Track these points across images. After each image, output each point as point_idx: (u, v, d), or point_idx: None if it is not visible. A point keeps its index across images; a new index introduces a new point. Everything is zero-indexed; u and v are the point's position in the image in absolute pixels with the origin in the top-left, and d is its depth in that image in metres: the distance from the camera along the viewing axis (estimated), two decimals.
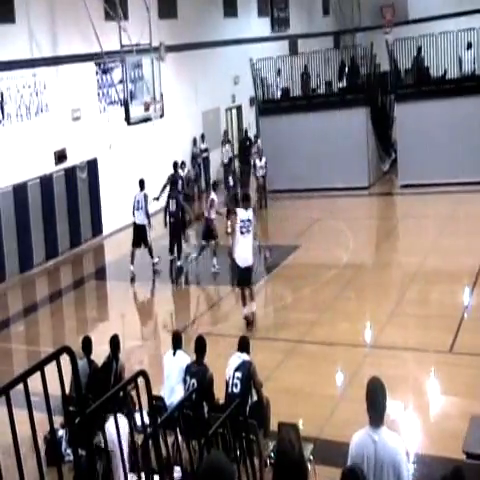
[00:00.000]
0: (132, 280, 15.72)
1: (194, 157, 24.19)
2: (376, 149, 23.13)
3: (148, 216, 15.90)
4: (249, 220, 12.01)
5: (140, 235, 15.87)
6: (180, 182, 18.21)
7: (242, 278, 12.34)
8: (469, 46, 21.67)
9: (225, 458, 3.41)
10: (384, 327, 11.97)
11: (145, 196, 15.87)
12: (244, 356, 7.94)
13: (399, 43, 22.43)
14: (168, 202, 16.16)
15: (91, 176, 19.06)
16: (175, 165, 18.26)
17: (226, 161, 24.51)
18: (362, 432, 5.04)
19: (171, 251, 16.38)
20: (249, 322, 12.12)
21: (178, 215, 16.17)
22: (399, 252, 16.17)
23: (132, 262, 15.79)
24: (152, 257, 16.04)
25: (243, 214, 12.13)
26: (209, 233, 15.85)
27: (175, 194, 16.47)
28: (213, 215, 15.85)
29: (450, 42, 21.37)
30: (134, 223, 16.05)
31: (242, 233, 11.99)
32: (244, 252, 12.06)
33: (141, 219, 15.86)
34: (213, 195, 15.97)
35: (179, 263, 16.21)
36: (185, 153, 23.59)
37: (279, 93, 24.44)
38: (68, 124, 18.27)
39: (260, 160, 21.72)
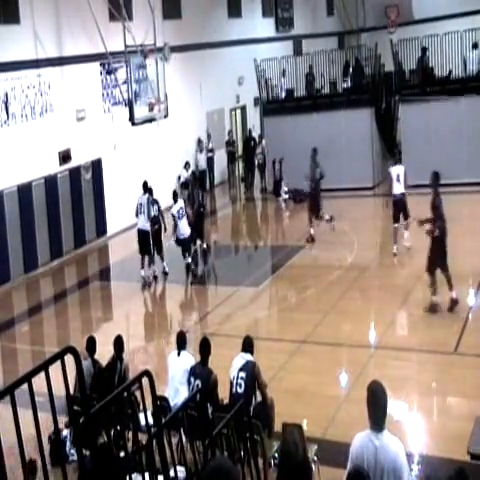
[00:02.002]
0: (144, 286, 15.34)
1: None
2: (381, 150, 23.09)
3: (152, 221, 15.31)
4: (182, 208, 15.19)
5: (145, 241, 15.40)
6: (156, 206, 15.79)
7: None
8: (474, 46, 21.63)
9: (230, 462, 3.40)
10: (389, 328, 11.97)
11: (148, 200, 15.33)
12: (248, 356, 7.93)
13: (404, 43, 22.40)
14: (193, 196, 16.89)
15: (95, 176, 19.08)
16: (146, 185, 15.70)
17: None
18: (363, 435, 5.02)
19: (194, 240, 16.41)
20: None
21: (200, 207, 16.82)
22: (404, 252, 16.11)
23: (142, 266, 15.45)
24: (151, 264, 15.54)
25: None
26: (406, 211, 15.25)
27: (197, 189, 17.65)
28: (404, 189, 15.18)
29: (455, 42, 21.34)
30: (137, 228, 15.61)
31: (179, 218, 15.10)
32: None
33: (143, 224, 15.40)
34: (402, 167, 15.28)
35: (203, 244, 16.83)
36: (189, 153, 23.59)
37: (283, 94, 24.42)
38: (72, 124, 18.30)
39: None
